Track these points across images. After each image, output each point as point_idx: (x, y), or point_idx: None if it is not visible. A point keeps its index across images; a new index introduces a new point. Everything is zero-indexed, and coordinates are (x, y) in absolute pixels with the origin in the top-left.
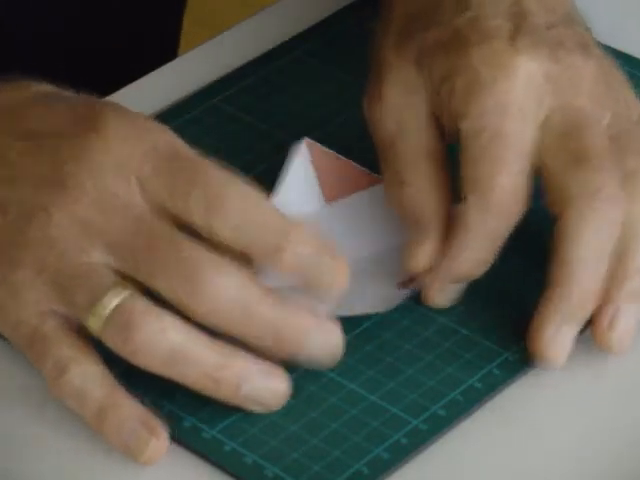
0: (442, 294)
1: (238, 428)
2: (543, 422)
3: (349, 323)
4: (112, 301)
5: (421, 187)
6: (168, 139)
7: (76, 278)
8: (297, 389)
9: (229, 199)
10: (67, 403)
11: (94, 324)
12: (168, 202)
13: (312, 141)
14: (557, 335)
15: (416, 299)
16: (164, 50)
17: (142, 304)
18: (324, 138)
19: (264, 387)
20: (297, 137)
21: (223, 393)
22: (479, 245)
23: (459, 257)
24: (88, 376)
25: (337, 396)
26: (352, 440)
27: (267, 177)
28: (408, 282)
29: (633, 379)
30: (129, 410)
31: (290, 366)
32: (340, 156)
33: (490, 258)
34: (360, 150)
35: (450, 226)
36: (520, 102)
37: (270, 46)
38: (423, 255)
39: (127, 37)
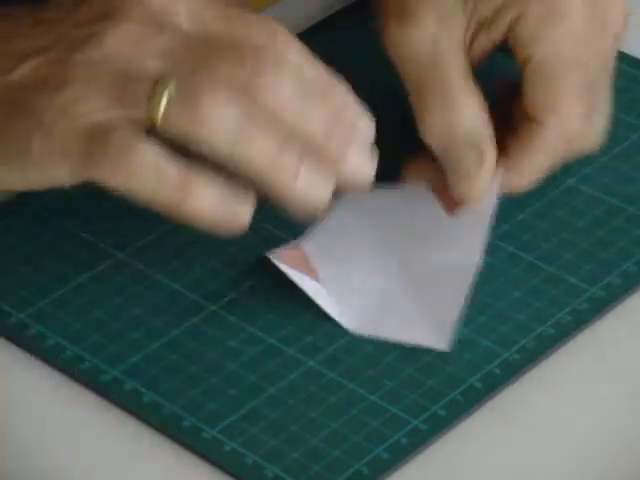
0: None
1: (238, 428)
2: (543, 422)
3: None
4: (171, 82)
5: (476, 108)
6: None
7: (131, 78)
8: (297, 389)
9: (283, 32)
10: (140, 185)
11: (155, 111)
12: (223, 30)
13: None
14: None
15: None
16: None
17: (202, 78)
18: None
19: (317, 182)
20: None
21: (279, 183)
22: (547, 165)
23: (524, 172)
24: (160, 153)
25: (337, 396)
26: (352, 440)
27: None
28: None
29: (633, 379)
30: (211, 181)
31: (290, 366)
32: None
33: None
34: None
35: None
36: (587, 33)
37: None
38: (487, 175)
39: None
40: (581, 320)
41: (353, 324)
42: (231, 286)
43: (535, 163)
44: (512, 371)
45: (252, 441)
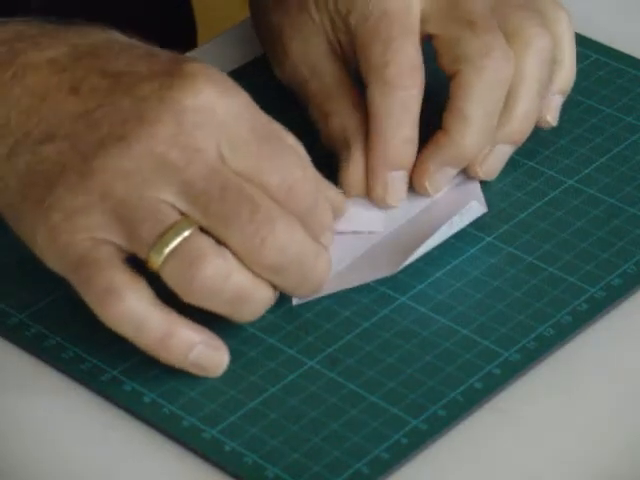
0: (434, 180)
1: (238, 428)
2: (543, 422)
3: (349, 323)
4: (176, 237)
5: (344, 113)
6: (252, 103)
7: (140, 211)
8: (297, 389)
9: (308, 185)
10: (121, 329)
11: (156, 258)
12: (249, 171)
13: None
14: (437, 173)
15: (417, 299)
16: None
17: (207, 242)
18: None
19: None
20: (297, 137)
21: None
22: (397, 123)
23: (389, 141)
24: (146, 301)
25: (337, 396)
26: (352, 440)
27: None
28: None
29: (633, 379)
30: (191, 331)
31: (290, 366)
32: None
33: (413, 132)
34: None
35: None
36: None
37: None
38: (357, 169)
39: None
40: (581, 320)
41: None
42: None
43: (384, 129)
44: (512, 371)
45: (252, 441)
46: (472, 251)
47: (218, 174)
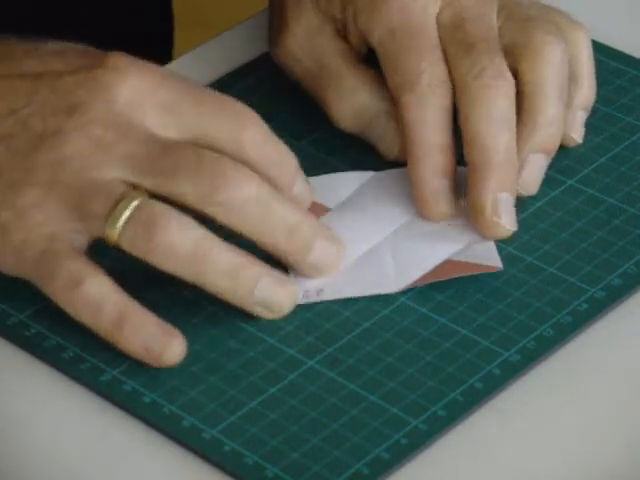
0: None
1: (238, 428)
2: (543, 422)
3: (349, 323)
4: (128, 205)
5: (368, 86)
6: (175, 73)
7: (89, 191)
8: (297, 389)
9: (251, 119)
10: (81, 314)
11: (111, 231)
12: (190, 126)
13: None
14: (496, 201)
15: (417, 299)
16: (158, 51)
17: (160, 205)
18: (324, 138)
19: (277, 291)
20: (297, 137)
21: (239, 294)
22: (434, 130)
23: (428, 150)
24: (104, 286)
25: (337, 396)
26: (352, 440)
27: None
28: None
29: (633, 379)
30: (146, 316)
31: (290, 366)
32: None
33: (450, 139)
34: (360, 150)
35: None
36: (420, 1)
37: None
38: (396, 140)
39: (119, 39)
40: (581, 320)
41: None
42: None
43: (421, 137)
44: (512, 371)
45: (252, 441)
46: None
47: (156, 139)
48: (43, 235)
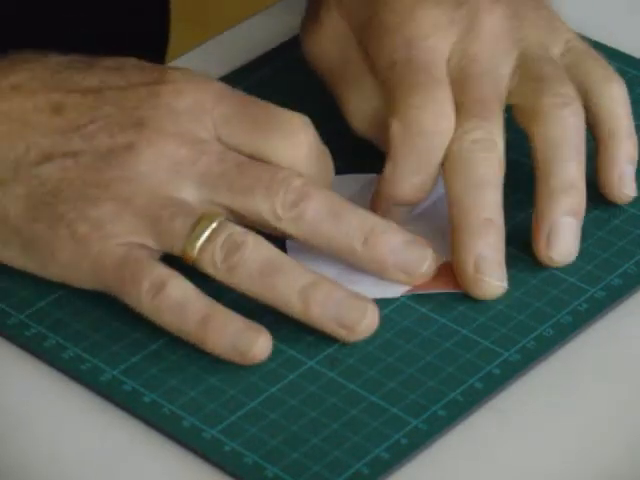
0: (389, 216)
1: (238, 428)
2: (543, 422)
3: None
4: (209, 225)
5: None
6: (231, 88)
7: (167, 209)
8: (297, 389)
9: (304, 133)
10: (166, 317)
11: (191, 249)
12: (247, 143)
13: None
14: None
15: (417, 299)
16: (152, 51)
17: (237, 227)
18: (324, 138)
19: (351, 308)
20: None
21: (312, 313)
22: (410, 167)
23: (394, 179)
24: (187, 289)
25: (337, 396)
26: (352, 440)
27: None
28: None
29: (633, 379)
30: (230, 315)
31: (290, 366)
32: None
33: (426, 182)
34: (360, 150)
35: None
36: (426, 39)
37: (270, 46)
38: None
39: (113, 39)
40: (581, 320)
41: None
42: (231, 286)
43: (395, 168)
44: (512, 371)
45: (252, 441)
46: None
47: (228, 155)
48: (122, 244)
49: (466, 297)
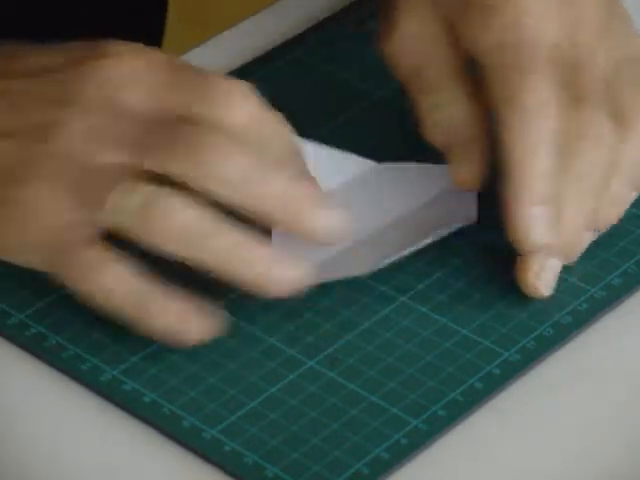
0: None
1: (238, 428)
2: (543, 422)
3: (349, 323)
4: (133, 192)
5: (459, 104)
6: (168, 56)
7: (91, 180)
8: (297, 389)
9: (240, 95)
10: (101, 303)
11: (113, 218)
12: (182, 107)
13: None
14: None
15: (417, 299)
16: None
17: (163, 191)
18: (324, 138)
19: (280, 274)
20: (297, 137)
21: (240, 272)
22: (540, 150)
23: (527, 173)
24: (122, 272)
25: (337, 396)
26: (352, 440)
27: None
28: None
29: (633, 379)
30: (167, 298)
31: (290, 366)
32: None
33: (551, 164)
34: (360, 151)
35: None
36: (535, 19)
37: (270, 46)
38: (474, 171)
39: (107, 35)
40: (581, 320)
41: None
42: (231, 286)
43: (524, 152)
44: (512, 371)
45: (252, 441)
46: (473, 251)
47: (151, 120)
48: (56, 227)
49: (466, 297)
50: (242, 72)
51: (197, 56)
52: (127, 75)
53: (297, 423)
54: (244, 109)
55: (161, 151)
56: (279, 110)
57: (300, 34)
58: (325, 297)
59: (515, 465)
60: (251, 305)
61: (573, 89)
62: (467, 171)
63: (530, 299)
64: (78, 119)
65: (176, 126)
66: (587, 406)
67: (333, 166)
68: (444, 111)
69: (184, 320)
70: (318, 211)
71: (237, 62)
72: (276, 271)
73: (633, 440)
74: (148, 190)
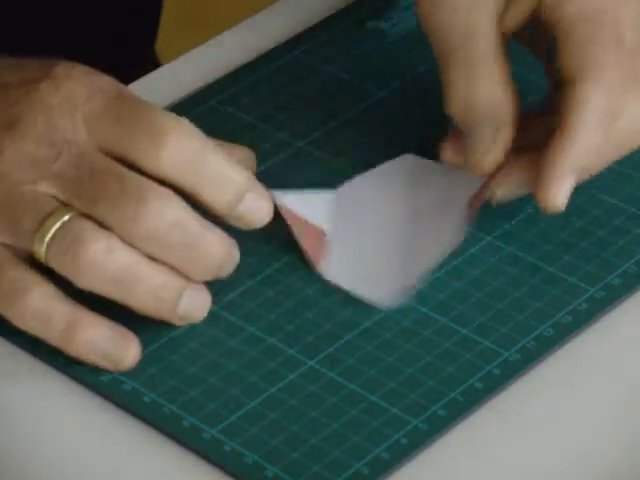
0: (563, 189)
1: (238, 428)
2: (543, 422)
3: (349, 323)
4: (56, 222)
5: (497, 83)
6: (113, 83)
7: (21, 206)
8: (297, 389)
9: (172, 135)
10: (29, 326)
11: (39, 247)
12: (114, 142)
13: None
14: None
15: (416, 299)
16: (141, 48)
17: (87, 224)
18: (324, 138)
19: (196, 304)
20: (297, 137)
21: (163, 312)
22: (596, 125)
23: (578, 141)
24: (50, 296)
25: (337, 396)
26: (352, 440)
27: (268, 177)
28: (478, 196)
29: (633, 379)
30: (98, 323)
31: (290, 366)
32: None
33: (600, 143)
34: (360, 150)
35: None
36: None
37: (270, 46)
38: (499, 151)
39: (103, 36)
40: (581, 320)
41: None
42: (231, 286)
43: (581, 126)
44: (512, 371)
45: (252, 441)
46: (472, 251)
47: (87, 159)
48: None
49: (466, 297)
50: (242, 72)
51: (197, 56)
52: (67, 104)
53: (297, 423)
54: (177, 150)
55: (93, 200)
56: (279, 110)
57: (300, 34)
58: (325, 297)
59: (515, 465)
60: (251, 305)
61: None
62: (484, 154)
63: (530, 299)
64: (17, 145)
65: (110, 173)
66: (587, 406)
67: (310, 208)
68: (476, 85)
69: (119, 342)
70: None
71: (237, 62)
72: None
73: (633, 440)
74: (77, 224)
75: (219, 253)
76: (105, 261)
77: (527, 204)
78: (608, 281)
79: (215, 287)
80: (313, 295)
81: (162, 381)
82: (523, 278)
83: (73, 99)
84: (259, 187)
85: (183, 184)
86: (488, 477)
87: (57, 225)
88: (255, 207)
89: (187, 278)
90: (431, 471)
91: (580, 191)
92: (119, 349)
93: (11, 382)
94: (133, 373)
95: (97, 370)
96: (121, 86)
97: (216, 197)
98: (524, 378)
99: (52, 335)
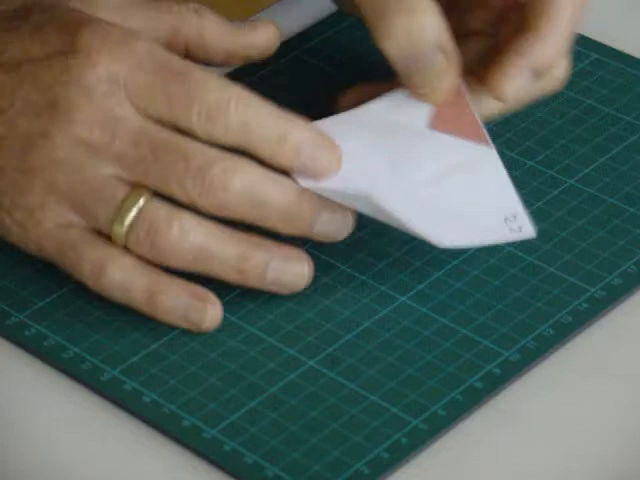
0: (513, 84)
1: (238, 428)
2: (543, 422)
3: (349, 323)
4: (132, 208)
5: (437, 12)
6: (151, 49)
7: (90, 193)
8: (297, 389)
9: (228, 105)
10: (114, 297)
11: (118, 234)
12: (165, 115)
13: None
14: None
15: (417, 299)
16: None
17: (161, 208)
18: None
19: (287, 271)
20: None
21: (251, 282)
22: (564, 29)
23: (546, 40)
24: (128, 268)
25: (337, 396)
26: (352, 440)
27: None
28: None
29: (633, 379)
30: (177, 287)
31: (290, 366)
32: None
33: (566, 50)
34: None
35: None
36: None
37: None
38: (454, 74)
39: None
40: (581, 320)
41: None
42: (231, 286)
43: (551, 26)
44: (512, 371)
45: (252, 441)
46: (472, 251)
47: (144, 135)
48: (54, 229)
49: (466, 296)
50: (242, 72)
51: None
52: (108, 80)
53: (297, 423)
54: (230, 119)
55: (161, 179)
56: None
57: (300, 34)
58: (325, 296)
59: (515, 465)
60: (251, 305)
61: None
62: (441, 79)
63: (530, 299)
64: (67, 132)
65: (171, 148)
66: (587, 406)
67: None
68: (423, 17)
69: (197, 305)
70: (321, 214)
71: None
72: (289, 269)
73: (633, 440)
74: (152, 208)
75: (289, 200)
76: (182, 244)
77: (527, 204)
78: (608, 281)
79: (215, 287)
80: (313, 295)
81: (162, 381)
82: (523, 278)
83: (114, 78)
84: (319, 137)
85: (242, 148)
86: (488, 477)
87: (133, 212)
88: (316, 156)
89: (272, 247)
90: (431, 471)
91: (580, 191)
92: (198, 312)
93: (11, 382)
94: (133, 373)
95: (97, 370)
96: (159, 51)
97: (275, 156)
98: (524, 378)
99: (137, 304)
